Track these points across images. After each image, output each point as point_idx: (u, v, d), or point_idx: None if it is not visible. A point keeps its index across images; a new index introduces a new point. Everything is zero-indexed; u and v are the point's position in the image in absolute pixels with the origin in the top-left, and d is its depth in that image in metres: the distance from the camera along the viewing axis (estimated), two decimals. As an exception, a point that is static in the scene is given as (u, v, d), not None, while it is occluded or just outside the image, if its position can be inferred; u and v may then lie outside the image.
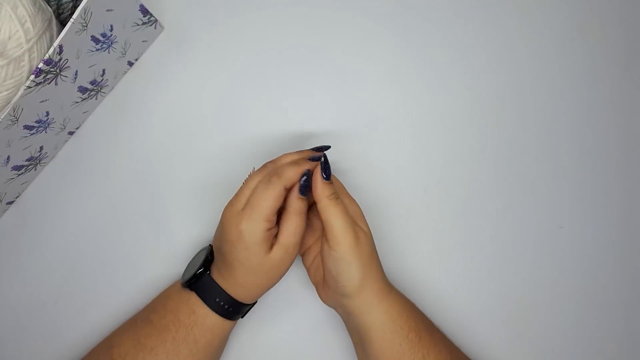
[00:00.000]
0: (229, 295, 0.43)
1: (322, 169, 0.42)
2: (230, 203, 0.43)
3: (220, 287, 0.43)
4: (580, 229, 0.49)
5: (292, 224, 0.42)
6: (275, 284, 0.44)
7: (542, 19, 0.53)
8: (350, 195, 0.46)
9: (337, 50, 0.54)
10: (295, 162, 0.43)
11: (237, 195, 0.43)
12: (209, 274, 0.45)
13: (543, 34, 0.53)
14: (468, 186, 0.51)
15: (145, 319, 0.46)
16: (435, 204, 0.51)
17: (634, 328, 0.48)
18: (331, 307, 0.46)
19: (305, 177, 0.42)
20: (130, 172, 0.54)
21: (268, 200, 0.40)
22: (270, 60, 0.55)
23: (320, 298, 0.46)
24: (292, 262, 0.43)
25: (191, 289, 0.45)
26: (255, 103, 0.54)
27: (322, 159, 0.42)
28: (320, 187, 0.41)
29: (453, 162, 0.51)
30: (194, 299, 0.44)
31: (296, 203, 0.42)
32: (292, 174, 0.41)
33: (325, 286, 0.44)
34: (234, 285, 0.43)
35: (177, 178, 0.54)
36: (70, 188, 0.55)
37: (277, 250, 0.41)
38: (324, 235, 0.42)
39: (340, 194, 0.43)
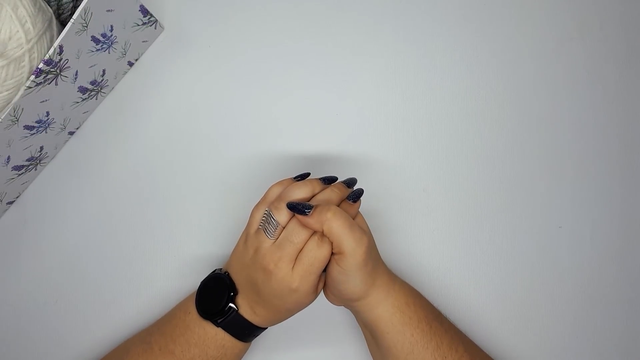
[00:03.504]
0: (256, 325, 0.43)
1: (299, 212, 0.39)
2: (270, 245, 0.40)
3: (252, 324, 0.43)
4: (580, 229, 0.49)
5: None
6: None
7: (542, 19, 0.53)
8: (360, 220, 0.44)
9: (337, 50, 0.54)
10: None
11: (268, 232, 0.41)
12: (237, 311, 0.42)
13: (543, 34, 0.53)
14: (468, 186, 0.51)
15: (165, 349, 0.43)
16: (435, 204, 0.51)
17: (634, 327, 0.48)
18: (339, 305, 0.45)
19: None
20: (130, 172, 0.54)
21: (322, 262, 0.39)
22: (270, 60, 0.55)
23: (327, 298, 0.45)
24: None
25: (217, 325, 0.43)
26: (255, 103, 0.54)
27: (287, 208, 0.40)
28: (314, 220, 0.39)
29: (453, 162, 0.51)
30: (223, 335, 0.43)
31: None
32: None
33: (331, 289, 0.43)
34: (265, 318, 0.42)
35: (177, 178, 0.54)
36: (70, 188, 0.55)
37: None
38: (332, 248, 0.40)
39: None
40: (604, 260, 0.49)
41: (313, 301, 0.42)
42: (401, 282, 0.44)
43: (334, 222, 0.38)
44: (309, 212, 0.39)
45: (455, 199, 0.51)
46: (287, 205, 0.40)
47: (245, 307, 0.42)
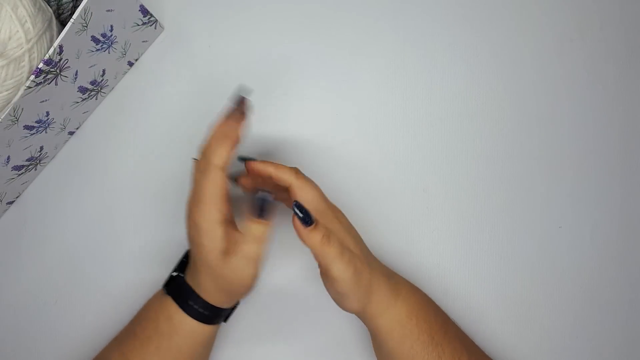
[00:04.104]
0: (202, 298, 0.42)
1: (299, 218, 0.38)
2: (189, 198, 0.41)
3: (193, 290, 0.42)
4: (580, 229, 0.49)
5: (253, 239, 0.39)
6: (247, 293, 0.42)
7: (542, 19, 0.53)
8: (333, 209, 0.43)
9: (337, 49, 0.54)
10: (222, 135, 0.39)
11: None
12: (182, 277, 0.43)
13: (543, 34, 0.53)
14: (468, 186, 0.51)
15: (130, 332, 0.45)
16: (435, 204, 0.51)
17: (634, 327, 0.48)
18: None
19: (261, 202, 0.39)
20: (130, 172, 0.54)
21: (208, 188, 0.38)
22: (270, 60, 0.55)
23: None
24: (257, 276, 0.40)
25: (168, 294, 0.44)
26: (255, 103, 0.54)
27: (295, 207, 0.39)
28: (306, 237, 0.38)
29: (453, 162, 0.51)
30: (170, 305, 0.43)
31: (254, 228, 0.39)
32: (221, 152, 0.38)
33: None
34: (205, 290, 0.42)
35: (177, 178, 0.54)
36: (70, 188, 0.55)
37: (236, 258, 0.39)
38: (321, 268, 0.41)
39: (325, 217, 0.41)
40: (604, 260, 0.49)
41: (238, 277, 0.40)
42: (406, 294, 0.43)
43: (325, 248, 0.38)
44: (312, 225, 0.38)
45: (455, 199, 0.51)
46: (294, 204, 0.39)
47: (189, 274, 0.43)
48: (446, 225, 0.50)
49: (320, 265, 0.40)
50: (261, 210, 0.39)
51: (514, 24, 0.53)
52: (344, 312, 0.43)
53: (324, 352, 0.49)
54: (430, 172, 0.51)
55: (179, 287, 0.43)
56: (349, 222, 0.44)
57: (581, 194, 0.50)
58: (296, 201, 0.39)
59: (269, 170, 0.43)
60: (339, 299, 0.41)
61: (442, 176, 0.51)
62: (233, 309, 0.46)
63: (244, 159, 0.45)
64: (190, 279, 0.43)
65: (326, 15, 0.55)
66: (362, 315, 0.43)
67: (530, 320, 0.48)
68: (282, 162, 0.46)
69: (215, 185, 0.39)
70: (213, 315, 0.43)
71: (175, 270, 0.45)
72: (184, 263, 0.45)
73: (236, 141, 0.40)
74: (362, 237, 0.45)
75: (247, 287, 0.41)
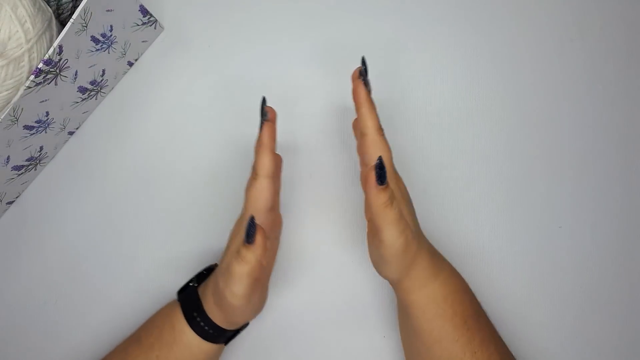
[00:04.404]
0: (207, 315, 0.42)
1: (376, 175, 0.37)
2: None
3: (201, 304, 0.42)
4: (580, 229, 0.49)
5: (242, 261, 0.38)
6: (247, 318, 0.43)
7: (542, 19, 0.53)
8: (397, 178, 0.43)
9: (337, 49, 0.54)
10: (259, 147, 0.41)
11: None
12: (196, 287, 0.44)
13: (543, 34, 0.53)
14: (468, 186, 0.51)
15: (136, 337, 0.45)
16: (435, 204, 0.51)
17: (634, 328, 0.48)
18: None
19: (248, 226, 0.38)
20: (130, 172, 0.54)
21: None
22: (270, 60, 0.55)
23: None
24: (246, 296, 0.39)
25: (178, 300, 0.44)
26: (255, 103, 0.54)
27: (378, 162, 0.37)
28: (374, 195, 0.37)
29: (453, 162, 0.51)
30: (177, 314, 0.43)
31: (242, 252, 0.38)
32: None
33: (373, 264, 0.43)
34: (211, 308, 0.42)
35: (177, 178, 0.54)
36: (70, 188, 0.55)
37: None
38: (372, 228, 0.39)
39: (391, 181, 0.40)
40: (604, 260, 0.49)
41: (250, 307, 0.41)
42: (447, 276, 0.42)
43: (387, 211, 0.37)
44: (384, 185, 0.37)
45: (455, 198, 0.51)
46: (379, 160, 0.37)
47: (203, 288, 0.43)
48: (446, 225, 0.50)
49: (372, 226, 0.39)
50: (248, 235, 0.38)
51: (514, 24, 0.53)
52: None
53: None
54: (430, 172, 0.51)
55: (189, 297, 0.43)
56: (408, 193, 0.43)
57: (581, 194, 0.50)
58: (381, 157, 0.37)
59: (365, 106, 0.41)
60: (380, 264, 0.41)
61: (442, 176, 0.51)
62: (237, 332, 0.46)
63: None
64: (203, 293, 0.43)
65: (326, 15, 0.55)
66: (397, 286, 0.42)
67: (530, 320, 0.48)
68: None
69: (263, 191, 0.41)
70: (215, 334, 0.42)
71: (192, 281, 0.45)
72: (203, 275, 0.45)
73: (273, 147, 0.41)
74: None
75: (243, 313, 0.41)
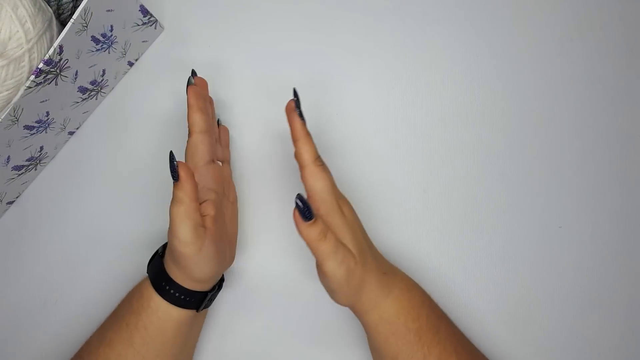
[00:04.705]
0: (170, 278, 0.42)
1: (299, 210, 0.38)
2: None
3: (164, 268, 0.43)
4: (580, 229, 0.49)
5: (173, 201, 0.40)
6: (223, 269, 0.44)
7: (542, 19, 0.53)
8: (340, 202, 0.43)
9: (337, 49, 0.54)
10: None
11: None
12: (161, 255, 0.44)
13: (543, 34, 0.53)
14: (468, 186, 0.51)
15: (111, 313, 0.46)
16: (435, 204, 0.51)
17: (634, 327, 0.48)
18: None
19: (170, 162, 0.39)
20: (130, 172, 0.54)
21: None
22: (270, 60, 0.55)
23: None
24: (186, 239, 0.40)
25: (147, 272, 0.45)
26: (256, 103, 0.54)
27: (297, 200, 0.38)
28: (304, 232, 0.38)
29: (453, 162, 0.51)
30: (145, 281, 0.44)
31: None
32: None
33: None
34: (174, 267, 0.42)
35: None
36: (70, 188, 0.55)
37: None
38: (315, 262, 0.40)
39: (329, 209, 0.41)
40: (604, 260, 0.49)
41: (194, 252, 0.40)
42: (399, 293, 0.43)
43: (320, 245, 0.38)
44: (311, 221, 0.38)
45: (455, 199, 0.51)
46: (297, 197, 0.38)
47: (167, 254, 0.43)
48: (446, 225, 0.50)
49: (315, 259, 0.40)
50: (171, 173, 0.39)
51: (514, 24, 0.53)
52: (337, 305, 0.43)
53: (317, 343, 0.49)
54: (430, 172, 0.51)
55: (154, 265, 0.44)
56: (354, 215, 0.44)
57: (581, 194, 0.50)
58: (299, 195, 0.38)
59: (301, 139, 0.42)
60: (330, 293, 0.42)
61: (442, 176, 0.51)
62: (206, 297, 0.45)
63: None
64: (165, 260, 0.43)
65: (326, 15, 0.55)
66: (353, 310, 0.43)
67: (530, 320, 0.48)
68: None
69: (198, 145, 0.44)
70: (183, 296, 0.42)
71: (157, 251, 0.46)
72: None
73: (202, 106, 0.45)
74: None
75: (198, 264, 0.41)
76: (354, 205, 0.44)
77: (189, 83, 0.46)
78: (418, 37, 0.54)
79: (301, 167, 0.42)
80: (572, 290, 0.49)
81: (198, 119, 0.44)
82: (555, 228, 0.50)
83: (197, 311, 0.44)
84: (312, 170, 0.41)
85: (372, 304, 0.42)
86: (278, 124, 0.54)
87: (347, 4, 0.55)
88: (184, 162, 0.40)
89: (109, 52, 0.51)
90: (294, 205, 0.38)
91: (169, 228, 0.40)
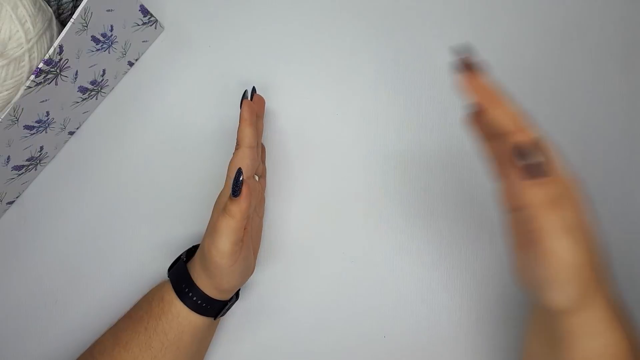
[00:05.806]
0: (195, 285, 0.43)
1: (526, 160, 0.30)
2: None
3: (189, 275, 0.43)
4: (580, 229, 0.49)
5: (228, 214, 0.40)
6: (246, 279, 0.44)
7: (542, 19, 0.53)
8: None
9: (337, 49, 0.54)
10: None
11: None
12: (185, 261, 0.45)
13: (543, 34, 0.53)
14: (468, 186, 0.51)
15: (127, 314, 0.46)
16: (435, 204, 0.51)
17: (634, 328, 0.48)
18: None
19: (235, 180, 0.40)
20: (130, 172, 0.54)
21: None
22: (270, 60, 0.55)
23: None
24: (231, 252, 0.40)
25: (168, 276, 0.45)
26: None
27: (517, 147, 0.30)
28: (527, 188, 0.30)
29: (453, 162, 0.51)
30: (166, 286, 0.44)
31: (229, 205, 0.40)
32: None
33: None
34: (203, 275, 0.42)
35: (177, 178, 0.54)
36: (70, 188, 0.55)
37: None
38: (521, 239, 0.34)
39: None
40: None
41: (231, 264, 0.41)
42: (618, 339, 0.33)
43: (555, 211, 0.30)
44: (544, 177, 0.29)
45: (456, 199, 0.51)
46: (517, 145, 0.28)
47: (192, 261, 0.44)
48: (446, 225, 0.50)
49: (524, 233, 0.31)
50: (234, 188, 0.39)
51: (514, 24, 0.53)
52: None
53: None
54: (431, 172, 0.51)
55: (178, 270, 0.44)
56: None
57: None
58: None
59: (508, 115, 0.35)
60: (542, 286, 0.31)
61: (442, 176, 0.51)
62: (225, 305, 0.46)
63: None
64: (192, 265, 0.44)
65: (326, 15, 0.55)
66: (559, 315, 0.32)
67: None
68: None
69: (244, 159, 0.44)
70: (204, 304, 0.43)
71: (181, 256, 0.46)
72: (192, 252, 0.46)
73: (253, 121, 0.45)
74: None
75: (229, 276, 0.42)
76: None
77: (244, 96, 0.47)
78: (418, 37, 0.54)
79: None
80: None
81: (248, 133, 0.44)
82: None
83: (214, 319, 0.45)
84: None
85: (602, 327, 0.32)
86: (278, 123, 0.54)
87: (347, 4, 0.55)
88: (245, 179, 0.40)
89: (109, 52, 0.51)
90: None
91: (208, 236, 0.41)
